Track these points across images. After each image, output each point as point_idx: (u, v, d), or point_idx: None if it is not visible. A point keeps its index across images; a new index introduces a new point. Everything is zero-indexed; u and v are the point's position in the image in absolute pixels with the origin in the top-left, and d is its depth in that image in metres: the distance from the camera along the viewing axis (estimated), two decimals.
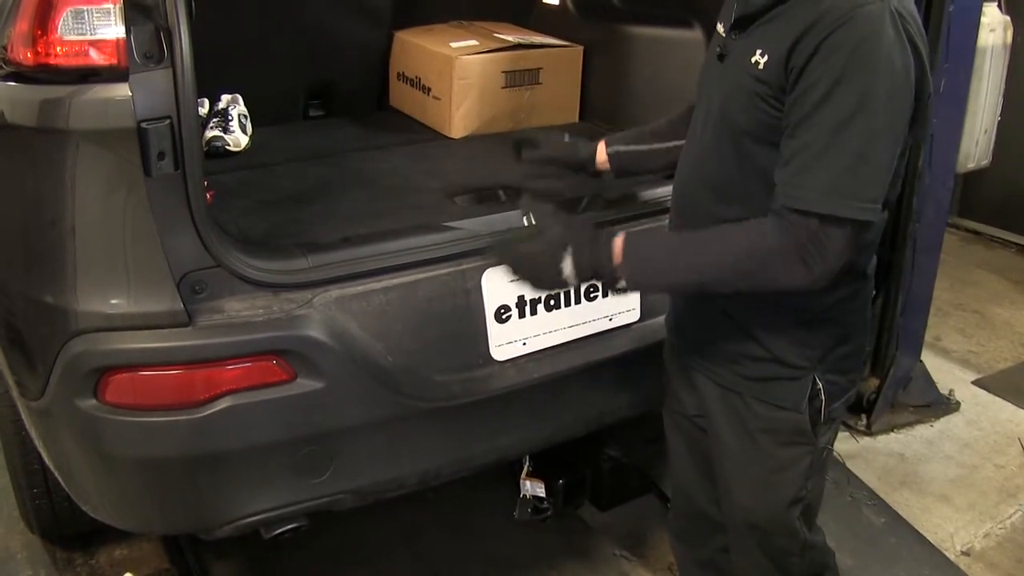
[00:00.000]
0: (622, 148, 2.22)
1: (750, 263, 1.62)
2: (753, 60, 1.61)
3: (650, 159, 2.21)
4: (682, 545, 2.29)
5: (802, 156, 1.54)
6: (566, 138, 2.29)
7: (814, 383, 1.80)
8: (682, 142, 1.93)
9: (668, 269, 1.74)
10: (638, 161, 2.24)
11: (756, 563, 2.02)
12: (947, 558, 2.90)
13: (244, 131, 2.99)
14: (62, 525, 2.71)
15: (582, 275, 1.74)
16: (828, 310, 1.76)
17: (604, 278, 1.74)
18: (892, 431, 3.54)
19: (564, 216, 1.89)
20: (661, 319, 2.26)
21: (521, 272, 1.80)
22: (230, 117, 2.97)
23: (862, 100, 1.49)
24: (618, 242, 1.71)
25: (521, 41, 3.28)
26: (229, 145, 2.92)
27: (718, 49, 1.77)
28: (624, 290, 1.76)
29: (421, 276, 2.08)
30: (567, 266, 1.73)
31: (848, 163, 1.51)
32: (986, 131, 3.47)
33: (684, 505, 2.22)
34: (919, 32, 1.57)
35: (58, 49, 1.69)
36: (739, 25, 1.70)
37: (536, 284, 1.80)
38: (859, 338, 1.87)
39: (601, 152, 2.24)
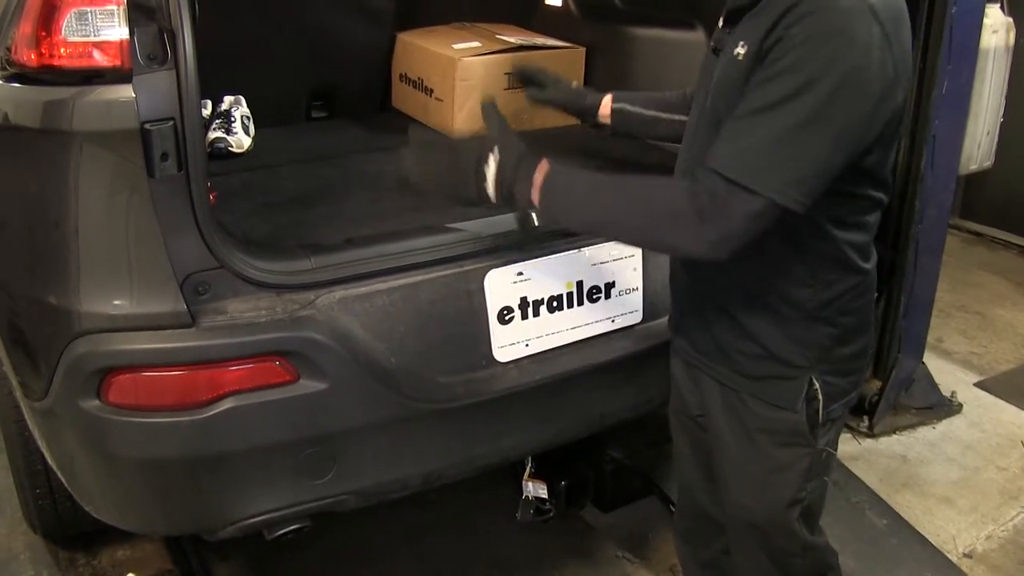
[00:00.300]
0: (628, 108, 2.22)
1: (653, 212, 1.65)
2: (736, 52, 1.62)
3: (652, 126, 2.21)
4: (686, 546, 2.30)
5: (734, 124, 1.56)
6: (573, 84, 2.29)
7: (811, 383, 1.80)
8: (687, 118, 1.94)
9: (579, 208, 1.77)
10: (640, 126, 2.25)
11: (757, 564, 2.02)
12: (949, 560, 2.90)
13: (247, 132, 2.99)
14: (65, 526, 2.71)
15: (501, 188, 1.78)
16: (822, 308, 1.76)
17: (519, 202, 1.78)
18: (894, 433, 3.54)
19: (508, 131, 1.88)
20: (663, 321, 2.27)
21: (446, 173, 1.87)
22: (233, 118, 2.97)
23: (805, 87, 1.48)
24: (540, 171, 1.75)
25: (523, 42, 3.28)
26: (232, 146, 2.92)
27: (713, 43, 1.79)
28: (530, 218, 1.83)
29: (424, 277, 2.08)
30: (490, 174, 1.78)
31: (770, 140, 1.51)
32: (988, 133, 3.47)
33: (688, 505, 2.22)
34: (896, 34, 1.55)
35: (62, 50, 1.69)
36: (730, 19, 1.71)
37: (458, 185, 1.85)
38: (860, 340, 1.86)
39: (606, 106, 2.24)
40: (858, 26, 1.49)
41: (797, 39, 1.49)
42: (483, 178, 1.82)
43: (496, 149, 1.81)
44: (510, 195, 1.81)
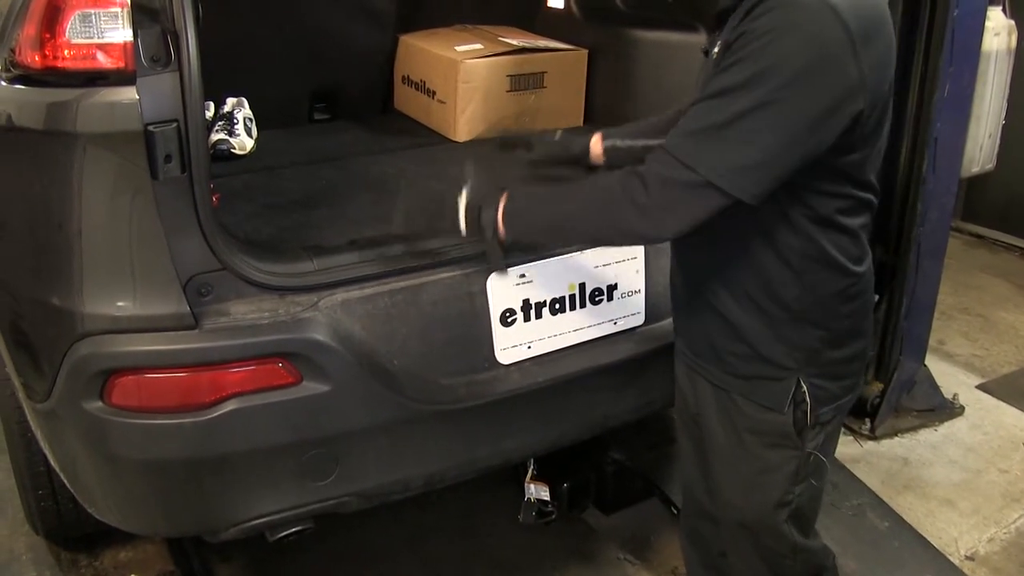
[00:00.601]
0: (619, 143, 2.22)
1: (602, 196, 1.74)
2: (714, 51, 1.67)
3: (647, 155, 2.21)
4: (691, 546, 2.30)
5: (690, 110, 1.62)
6: (556, 136, 2.29)
7: (798, 385, 1.80)
8: None
9: (538, 217, 1.87)
10: (635, 157, 2.24)
11: (750, 564, 2.03)
12: (951, 562, 2.90)
13: (249, 134, 3.00)
14: (67, 527, 2.71)
15: (470, 215, 1.93)
16: (810, 310, 1.76)
17: (485, 225, 1.89)
18: (896, 435, 3.53)
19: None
20: (666, 323, 2.27)
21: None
22: (235, 120, 2.98)
23: (756, 78, 1.51)
24: (503, 198, 1.89)
25: (526, 45, 3.29)
26: (234, 148, 2.93)
27: (704, 46, 1.82)
28: (499, 250, 1.94)
29: (427, 279, 2.08)
30: (461, 206, 1.94)
31: (716, 124, 1.55)
32: (990, 135, 3.47)
33: (691, 505, 2.23)
34: (865, 37, 1.54)
35: (65, 52, 1.69)
36: (718, 22, 1.74)
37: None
38: (854, 344, 1.86)
39: (596, 146, 2.24)
40: (818, 25, 1.50)
41: (757, 32, 1.51)
42: (456, 211, 1.94)
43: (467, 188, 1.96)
44: (478, 219, 1.91)
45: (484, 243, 1.95)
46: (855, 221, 1.75)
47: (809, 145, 1.56)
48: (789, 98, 1.51)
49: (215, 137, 2.90)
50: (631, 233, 1.71)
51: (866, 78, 1.56)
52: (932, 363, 3.75)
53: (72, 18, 1.67)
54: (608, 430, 2.53)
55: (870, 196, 1.74)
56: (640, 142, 2.20)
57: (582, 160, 2.27)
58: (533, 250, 2.16)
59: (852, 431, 3.50)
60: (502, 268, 2.08)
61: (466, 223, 1.94)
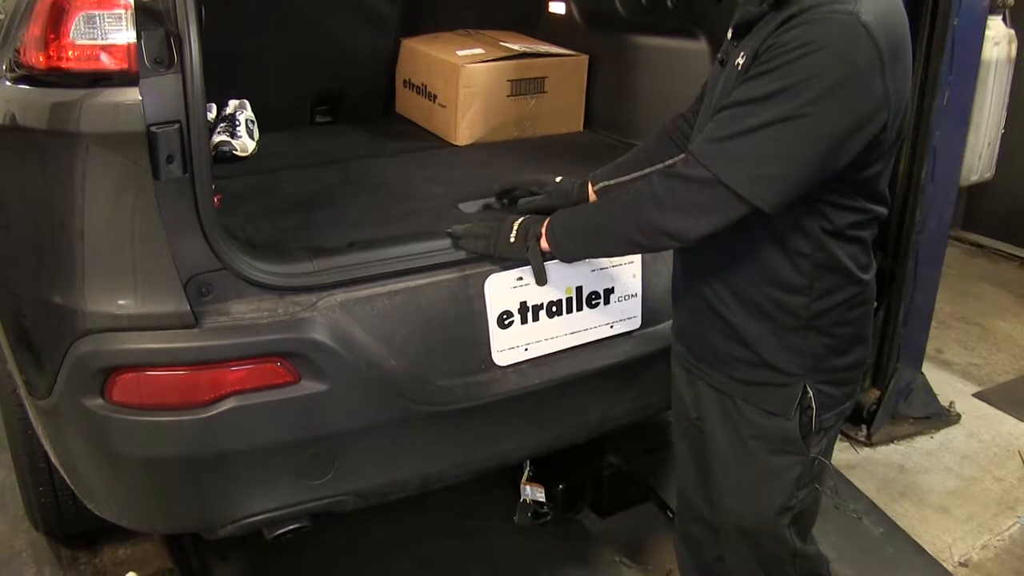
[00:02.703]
0: (609, 183, 2.24)
1: (635, 199, 1.77)
2: (737, 62, 1.67)
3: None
4: (686, 551, 2.30)
5: (717, 116, 1.64)
6: (557, 180, 2.31)
7: (804, 391, 1.82)
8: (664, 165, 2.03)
9: (578, 229, 1.94)
10: None
11: (748, 570, 2.04)
12: (945, 569, 2.90)
13: (251, 136, 3.02)
14: (67, 524, 2.72)
15: (519, 231, 2.05)
16: (818, 317, 1.78)
17: (531, 239, 2.02)
18: (892, 442, 3.54)
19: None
20: (662, 327, 2.29)
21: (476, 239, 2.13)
22: (237, 122, 3.00)
23: (783, 91, 1.53)
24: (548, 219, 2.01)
25: (527, 50, 3.31)
26: (236, 150, 2.94)
27: (721, 55, 1.83)
28: (543, 266, 2.05)
29: (425, 281, 2.10)
30: (515, 225, 2.06)
31: (738, 133, 1.58)
32: (989, 144, 3.48)
33: (687, 510, 2.24)
34: (893, 56, 1.56)
35: (70, 53, 1.71)
36: (738, 32, 1.75)
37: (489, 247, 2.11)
38: (857, 351, 1.87)
39: (590, 190, 2.26)
40: (850, 43, 1.51)
41: (789, 45, 1.53)
42: (510, 228, 2.06)
43: (518, 221, 2.07)
44: (526, 235, 2.03)
45: (528, 254, 2.03)
46: (866, 232, 1.77)
47: (831, 160, 1.58)
48: (816, 114, 1.53)
49: (217, 139, 2.92)
50: (653, 229, 1.71)
51: (890, 95, 1.58)
52: (929, 371, 3.76)
53: (76, 19, 1.69)
54: (604, 433, 2.54)
55: (883, 209, 1.76)
56: (627, 178, 2.22)
57: (581, 203, 2.29)
58: (575, 261, 2.16)
59: (848, 438, 3.51)
60: (544, 280, 2.11)
61: (516, 235, 2.05)
